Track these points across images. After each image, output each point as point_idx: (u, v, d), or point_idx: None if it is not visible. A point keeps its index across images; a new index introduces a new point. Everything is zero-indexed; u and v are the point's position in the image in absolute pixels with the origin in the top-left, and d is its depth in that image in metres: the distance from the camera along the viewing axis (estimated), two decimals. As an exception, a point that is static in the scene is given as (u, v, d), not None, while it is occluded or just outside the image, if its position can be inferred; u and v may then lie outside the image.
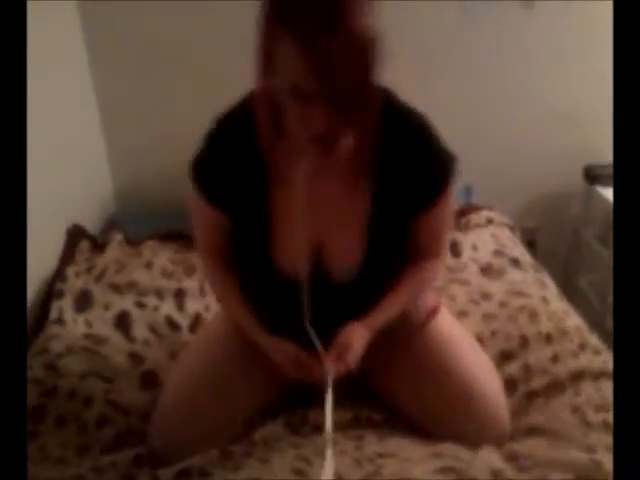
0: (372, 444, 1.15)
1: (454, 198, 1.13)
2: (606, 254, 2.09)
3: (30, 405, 1.26)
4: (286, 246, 1.08)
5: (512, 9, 2.01)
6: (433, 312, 1.25)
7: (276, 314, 1.16)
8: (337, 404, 1.19)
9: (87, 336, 1.48)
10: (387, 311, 1.15)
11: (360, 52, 0.83)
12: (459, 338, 1.25)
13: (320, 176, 1.02)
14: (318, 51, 0.81)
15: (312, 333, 1.08)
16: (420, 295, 1.22)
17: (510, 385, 1.26)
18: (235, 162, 1.05)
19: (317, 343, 1.07)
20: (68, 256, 1.74)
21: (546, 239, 2.36)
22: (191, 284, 1.69)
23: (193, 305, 1.63)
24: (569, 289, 2.30)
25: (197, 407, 1.18)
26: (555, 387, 1.25)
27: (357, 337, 1.09)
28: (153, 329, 1.54)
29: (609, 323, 1.97)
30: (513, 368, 1.31)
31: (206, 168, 1.08)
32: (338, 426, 1.16)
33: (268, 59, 0.88)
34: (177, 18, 1.95)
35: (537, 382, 1.27)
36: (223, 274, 1.20)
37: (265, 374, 1.21)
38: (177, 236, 1.89)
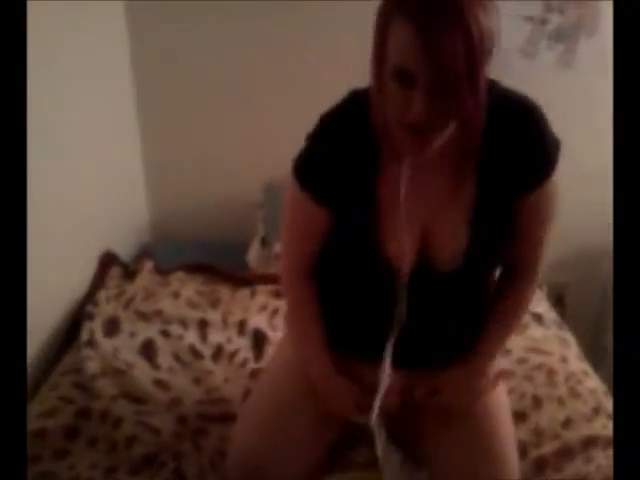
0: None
1: (557, 191, 1.13)
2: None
3: (63, 424, 1.31)
4: (392, 236, 1.07)
5: (550, 68, 2.03)
6: (500, 376, 1.22)
7: (364, 319, 1.17)
8: (365, 441, 1.22)
9: (116, 359, 1.53)
10: (495, 337, 1.17)
11: (471, 43, 0.83)
12: (507, 414, 1.22)
13: (425, 164, 1.02)
14: (428, 33, 0.82)
15: (388, 350, 1.09)
16: (519, 322, 1.22)
17: (520, 450, 1.23)
18: (342, 157, 1.05)
19: (387, 360, 1.08)
20: (99, 281, 1.81)
21: (576, 296, 2.33)
22: (215, 316, 1.73)
23: (215, 336, 1.66)
24: (597, 348, 2.27)
25: (273, 442, 1.17)
26: (565, 453, 1.23)
27: (457, 381, 1.15)
28: (177, 357, 1.58)
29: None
30: (524, 431, 1.30)
31: (313, 166, 1.08)
32: (363, 465, 1.20)
33: (381, 43, 0.89)
34: (225, 48, 2.02)
35: (547, 447, 1.26)
36: (310, 298, 1.21)
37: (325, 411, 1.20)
38: (205, 268, 1.94)
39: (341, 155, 1.05)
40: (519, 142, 1.03)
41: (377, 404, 1.06)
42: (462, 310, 1.17)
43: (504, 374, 1.24)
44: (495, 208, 1.06)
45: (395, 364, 1.15)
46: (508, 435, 1.17)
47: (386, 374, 1.08)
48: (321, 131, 1.07)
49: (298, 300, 1.23)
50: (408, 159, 1.01)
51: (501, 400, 1.22)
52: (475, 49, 0.83)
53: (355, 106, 1.03)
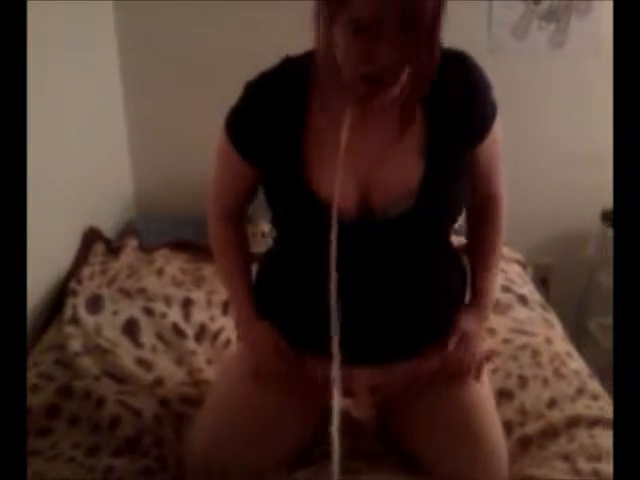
0: (364, 475, 1.15)
1: (500, 134, 1.13)
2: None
3: (45, 402, 1.29)
4: (327, 183, 1.01)
5: (541, 48, 2.02)
6: (487, 359, 1.20)
7: (302, 278, 1.12)
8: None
9: (99, 337, 1.50)
10: (490, 279, 1.18)
11: None
12: (489, 392, 1.21)
13: (370, 109, 1.01)
14: None
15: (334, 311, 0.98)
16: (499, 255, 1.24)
17: (505, 429, 1.23)
18: (269, 113, 1.05)
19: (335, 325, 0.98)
20: (83, 258, 1.78)
21: (560, 278, 2.35)
22: (199, 294, 1.71)
23: (199, 315, 1.65)
24: (580, 330, 2.29)
25: (241, 444, 1.13)
26: (549, 433, 1.24)
27: (474, 327, 1.14)
28: (160, 336, 1.56)
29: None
30: (509, 410, 1.30)
31: (240, 122, 1.09)
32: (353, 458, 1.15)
33: None
34: (207, 30, 2.01)
35: (532, 427, 1.26)
36: (234, 240, 1.21)
37: (300, 408, 1.17)
38: (189, 246, 1.92)
39: (268, 112, 1.05)
40: (463, 88, 1.04)
41: (336, 409, 0.96)
42: (428, 277, 1.10)
43: (491, 355, 1.24)
44: (445, 151, 1.05)
45: (358, 360, 1.08)
46: (492, 422, 1.17)
47: (336, 366, 0.98)
48: (252, 88, 1.08)
49: (223, 243, 1.21)
50: (352, 107, 0.99)
51: (487, 384, 1.21)
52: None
53: (286, 66, 1.05)
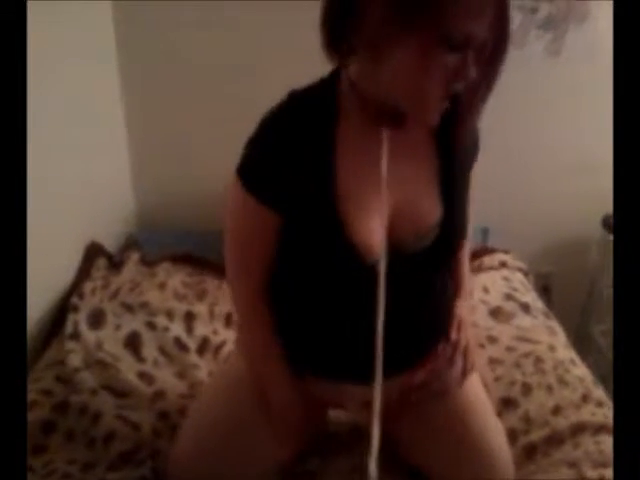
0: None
1: None
2: (621, 304, 2.06)
3: (40, 418, 1.28)
4: (360, 222, 0.99)
5: (538, 56, 2.03)
6: (463, 375, 1.18)
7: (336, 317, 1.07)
8: (337, 453, 1.22)
9: (101, 352, 1.50)
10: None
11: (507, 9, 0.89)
12: (485, 400, 1.21)
13: (397, 138, 0.99)
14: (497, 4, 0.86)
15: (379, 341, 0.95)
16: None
17: (510, 437, 1.24)
18: (299, 150, 0.98)
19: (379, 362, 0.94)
20: (85, 272, 1.78)
21: (562, 285, 2.34)
22: (201, 308, 1.71)
23: (201, 328, 1.65)
24: (582, 337, 2.28)
25: (222, 457, 1.12)
26: (554, 440, 1.24)
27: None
28: (162, 349, 1.56)
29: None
30: (514, 418, 1.30)
31: (264, 164, 1.00)
32: (334, 476, 1.17)
33: (423, 9, 0.84)
34: (210, 43, 2.00)
35: (537, 434, 1.26)
36: (267, 313, 1.11)
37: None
38: (191, 259, 1.93)
39: (294, 152, 0.98)
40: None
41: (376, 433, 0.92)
42: (433, 297, 1.11)
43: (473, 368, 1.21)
44: (457, 178, 1.07)
45: (353, 378, 1.09)
46: (489, 427, 1.16)
47: (378, 392, 0.95)
48: (270, 129, 1.00)
49: (256, 319, 1.13)
50: (386, 132, 0.98)
51: (478, 391, 1.21)
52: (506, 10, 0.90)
53: (301, 101, 1.00)
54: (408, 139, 1.02)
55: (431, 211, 1.04)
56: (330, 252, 1.01)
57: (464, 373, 1.16)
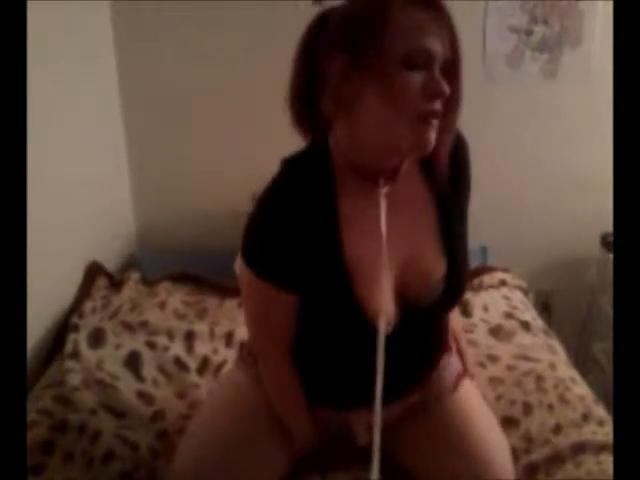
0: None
1: None
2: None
3: (39, 438, 1.28)
4: (371, 289, 1.00)
5: (534, 77, 2.06)
6: (460, 377, 1.23)
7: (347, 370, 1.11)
8: (337, 468, 1.21)
9: (100, 371, 1.50)
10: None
11: (456, 30, 0.91)
12: (480, 409, 1.22)
13: (395, 195, 1.00)
14: (442, 17, 0.89)
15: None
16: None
17: (512, 456, 1.21)
18: (295, 230, 0.97)
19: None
20: (85, 292, 1.79)
21: (562, 303, 2.35)
22: (201, 327, 1.71)
23: (202, 348, 1.65)
24: (583, 356, 2.28)
25: (223, 472, 1.12)
26: (556, 459, 1.23)
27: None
28: (162, 369, 1.56)
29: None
30: (515, 437, 1.29)
31: (267, 252, 0.99)
32: None
33: (378, 37, 0.88)
34: (210, 62, 2.04)
35: (538, 453, 1.25)
36: (294, 375, 1.13)
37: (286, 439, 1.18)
38: (192, 278, 1.93)
39: (294, 231, 0.97)
40: (457, 163, 1.06)
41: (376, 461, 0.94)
42: (433, 339, 1.16)
43: (464, 375, 1.25)
44: (457, 226, 1.07)
45: (357, 405, 1.13)
46: (484, 435, 1.16)
47: (378, 422, 0.96)
48: (271, 208, 0.98)
49: (286, 381, 1.14)
50: (384, 189, 0.98)
51: (472, 400, 1.22)
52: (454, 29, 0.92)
53: (292, 176, 0.99)
54: (406, 194, 1.02)
55: (436, 266, 1.04)
56: (343, 319, 1.02)
57: (458, 377, 1.21)
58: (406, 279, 1.03)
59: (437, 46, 0.88)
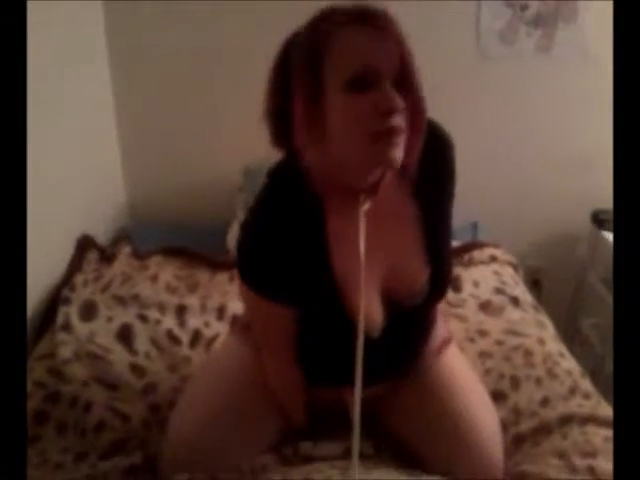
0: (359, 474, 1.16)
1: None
2: (610, 298, 2.09)
3: (33, 409, 1.29)
4: (357, 298, 1.04)
5: (528, 53, 2.05)
6: (445, 343, 1.26)
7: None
8: (329, 436, 1.23)
9: (92, 344, 1.51)
10: None
11: (404, 40, 0.90)
12: (466, 376, 1.25)
13: (374, 208, 1.01)
14: (386, 32, 0.88)
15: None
16: None
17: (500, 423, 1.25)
18: (285, 245, 1.02)
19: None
20: (76, 265, 1.78)
21: (551, 280, 2.37)
22: (193, 300, 1.72)
23: (193, 321, 1.65)
24: (572, 331, 2.31)
25: (219, 437, 1.16)
26: (543, 430, 1.25)
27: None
28: (154, 342, 1.56)
29: (609, 367, 1.96)
30: (503, 410, 1.31)
31: (260, 269, 1.06)
32: (328, 457, 1.19)
33: (316, 67, 0.89)
34: (200, 33, 2.01)
35: (526, 425, 1.27)
36: (290, 359, 1.17)
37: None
38: (183, 252, 1.93)
39: (283, 245, 1.02)
40: (438, 163, 1.06)
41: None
42: (420, 331, 1.19)
43: (449, 340, 1.28)
44: (437, 228, 1.09)
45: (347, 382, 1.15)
46: (467, 394, 1.20)
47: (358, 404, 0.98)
48: (255, 230, 1.05)
49: (282, 372, 1.19)
50: (363, 207, 0.99)
51: (457, 366, 1.25)
52: (409, 48, 0.91)
53: (279, 190, 1.02)
54: (388, 204, 1.04)
55: (419, 271, 1.07)
56: (334, 324, 1.06)
57: (442, 343, 1.25)
58: (391, 285, 1.07)
59: (382, 62, 0.88)
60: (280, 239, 1.02)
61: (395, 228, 1.06)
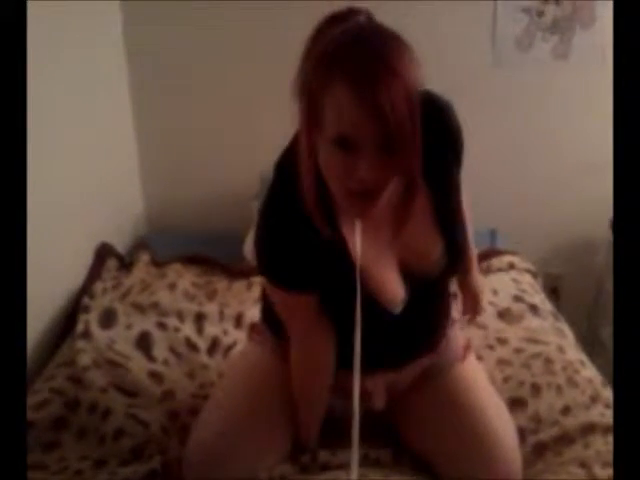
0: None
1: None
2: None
3: (52, 416, 1.31)
4: (378, 278, 1.06)
5: (545, 60, 2.04)
6: (464, 351, 1.27)
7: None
8: (345, 445, 1.23)
9: (111, 351, 1.52)
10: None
11: (410, 100, 0.84)
12: (482, 384, 1.25)
13: (376, 217, 1.00)
14: (371, 98, 0.82)
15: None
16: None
17: (519, 436, 1.24)
18: (301, 243, 1.02)
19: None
20: (96, 273, 1.80)
21: (571, 287, 2.35)
22: (211, 308, 1.72)
23: (212, 329, 1.66)
24: (591, 339, 2.28)
25: (238, 443, 1.17)
26: (564, 440, 1.24)
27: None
28: (173, 349, 1.57)
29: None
30: (523, 418, 1.30)
31: (280, 265, 1.05)
32: (345, 465, 1.18)
33: (314, 110, 0.88)
34: (219, 45, 2.03)
35: (546, 433, 1.26)
36: (319, 360, 1.17)
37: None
38: (201, 260, 1.94)
39: (299, 242, 1.02)
40: (442, 133, 1.05)
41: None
42: (439, 308, 1.20)
43: (470, 347, 1.29)
44: (447, 198, 1.08)
45: (374, 366, 1.15)
46: (494, 408, 1.20)
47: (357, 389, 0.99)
48: (269, 225, 1.04)
49: (311, 357, 1.17)
50: (358, 223, 0.99)
51: (474, 374, 1.25)
52: (414, 105, 0.85)
53: (289, 182, 1.00)
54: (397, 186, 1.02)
55: (434, 244, 1.08)
56: (356, 305, 1.04)
57: (465, 349, 1.26)
58: (408, 260, 1.07)
59: (368, 129, 0.84)
60: (292, 230, 1.01)
61: (404, 208, 1.03)
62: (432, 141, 0.98)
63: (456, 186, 1.12)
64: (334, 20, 0.89)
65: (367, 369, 1.15)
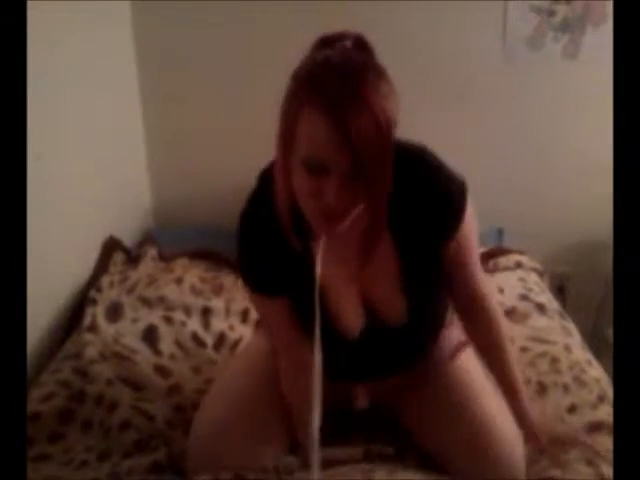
0: (381, 478, 1.16)
1: (473, 224, 1.11)
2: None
3: (58, 408, 1.31)
4: (338, 307, 1.11)
5: (556, 59, 2.03)
6: (460, 347, 1.27)
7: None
8: (351, 437, 1.24)
9: (117, 344, 1.53)
10: (511, 372, 1.22)
11: (380, 130, 0.85)
12: (481, 379, 1.25)
13: (343, 241, 1.02)
14: (341, 125, 0.83)
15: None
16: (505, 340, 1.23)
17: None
18: (273, 250, 1.06)
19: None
20: (103, 267, 1.80)
21: (577, 286, 2.34)
22: (218, 303, 1.73)
23: (218, 324, 1.66)
24: (598, 339, 2.27)
25: (239, 435, 1.19)
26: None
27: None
28: (179, 344, 1.58)
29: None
30: (529, 415, 1.30)
31: (253, 268, 1.11)
32: (349, 461, 1.18)
33: (288, 131, 0.90)
34: (230, 32, 2.02)
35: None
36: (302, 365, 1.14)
37: None
38: (208, 255, 1.94)
39: (271, 249, 1.06)
40: (426, 199, 1.04)
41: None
42: (414, 337, 1.19)
43: (464, 344, 1.27)
44: (418, 262, 1.08)
45: (360, 380, 1.23)
46: (493, 403, 1.19)
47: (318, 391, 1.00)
48: (245, 231, 1.09)
49: (292, 373, 1.19)
50: (322, 240, 1.00)
51: (472, 369, 1.24)
52: (385, 137, 0.86)
53: (267, 192, 1.02)
54: (356, 229, 1.02)
55: (395, 303, 1.10)
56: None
57: (457, 348, 1.25)
58: (371, 302, 1.11)
59: (334, 156, 0.86)
60: (265, 237, 1.05)
61: (368, 242, 1.04)
62: (411, 200, 1.02)
63: (436, 257, 1.09)
64: (322, 44, 0.92)
65: (347, 381, 1.18)
